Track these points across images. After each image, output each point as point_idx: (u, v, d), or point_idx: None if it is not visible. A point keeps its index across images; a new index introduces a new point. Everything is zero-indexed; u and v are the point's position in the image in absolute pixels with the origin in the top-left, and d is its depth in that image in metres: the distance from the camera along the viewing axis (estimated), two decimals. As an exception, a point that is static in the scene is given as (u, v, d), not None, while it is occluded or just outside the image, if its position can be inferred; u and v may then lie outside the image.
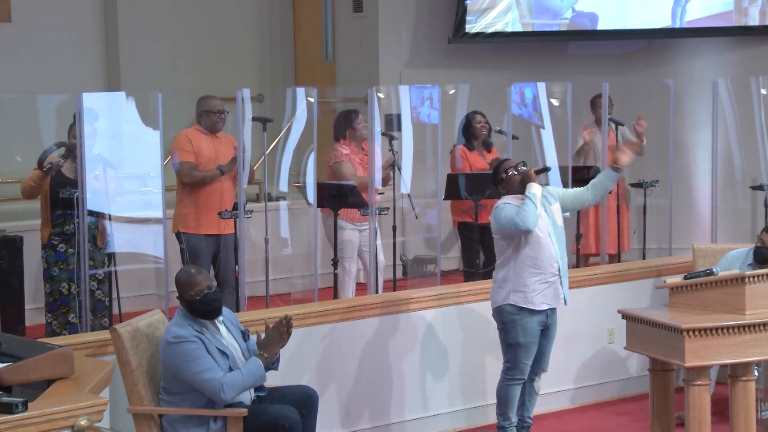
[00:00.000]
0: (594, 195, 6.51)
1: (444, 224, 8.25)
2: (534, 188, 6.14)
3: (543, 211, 6.20)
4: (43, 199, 7.03)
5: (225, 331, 5.47)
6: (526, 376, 6.32)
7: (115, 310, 7.26)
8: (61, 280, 7.02)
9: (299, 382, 6.06)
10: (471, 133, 8.59)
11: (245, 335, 5.55)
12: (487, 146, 8.64)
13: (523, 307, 6.18)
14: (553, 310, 6.29)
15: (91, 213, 6.79)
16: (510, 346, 6.28)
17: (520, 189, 6.19)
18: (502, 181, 6.28)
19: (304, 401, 5.48)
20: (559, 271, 6.21)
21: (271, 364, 5.47)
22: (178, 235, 7.40)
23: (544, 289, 6.19)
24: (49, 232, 7.03)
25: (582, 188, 6.53)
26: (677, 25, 10.74)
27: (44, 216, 7.06)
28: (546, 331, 6.32)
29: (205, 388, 5.18)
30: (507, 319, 6.25)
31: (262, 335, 5.42)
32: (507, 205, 6.15)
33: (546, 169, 6.40)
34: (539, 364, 6.39)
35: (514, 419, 6.36)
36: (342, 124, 8.01)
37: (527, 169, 6.23)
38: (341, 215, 7.65)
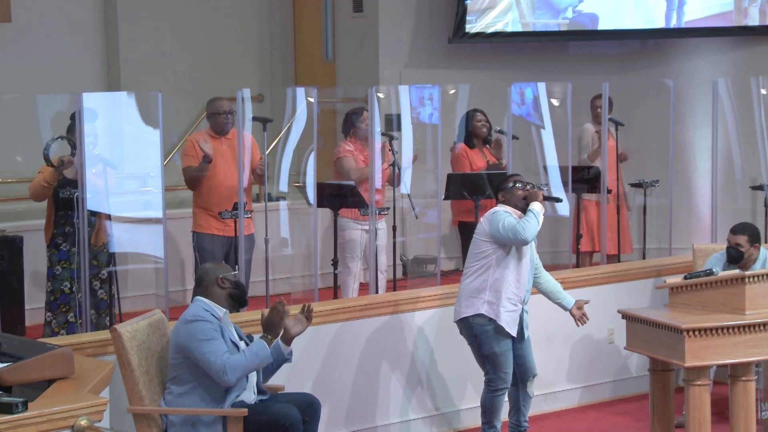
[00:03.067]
0: (540, 285, 6.47)
1: (444, 224, 8.24)
2: (537, 207, 6.12)
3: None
4: (48, 200, 7.05)
5: (234, 331, 5.50)
6: (509, 383, 6.28)
7: (115, 310, 7.26)
8: (63, 279, 7.03)
9: (298, 381, 6.06)
10: (471, 131, 8.62)
11: (248, 340, 5.57)
12: (488, 144, 8.65)
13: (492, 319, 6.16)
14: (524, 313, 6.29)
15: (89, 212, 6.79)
16: (486, 357, 6.21)
17: (519, 205, 6.19)
18: (506, 189, 6.25)
19: (307, 408, 5.48)
20: (524, 302, 6.23)
21: (287, 355, 5.48)
22: (193, 234, 7.47)
23: (511, 312, 6.17)
24: (51, 232, 7.05)
25: (541, 269, 6.46)
26: (671, 26, 10.74)
27: (48, 216, 7.09)
28: (519, 335, 6.28)
29: (210, 369, 5.21)
30: (478, 331, 6.18)
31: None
32: (507, 213, 6.12)
33: (557, 200, 6.34)
34: (528, 370, 6.36)
35: (499, 425, 6.34)
36: (347, 122, 8.03)
37: (536, 189, 6.22)
38: (347, 213, 7.66)
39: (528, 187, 6.23)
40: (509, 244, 6.09)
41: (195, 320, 5.27)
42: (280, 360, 5.49)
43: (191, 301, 5.48)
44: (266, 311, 5.53)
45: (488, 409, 6.29)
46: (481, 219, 6.28)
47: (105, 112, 6.91)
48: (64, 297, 7.05)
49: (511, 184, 6.24)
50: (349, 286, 7.88)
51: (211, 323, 5.28)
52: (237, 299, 5.50)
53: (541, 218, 6.09)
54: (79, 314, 6.90)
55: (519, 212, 6.16)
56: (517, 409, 6.40)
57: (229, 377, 5.22)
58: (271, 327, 5.44)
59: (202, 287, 5.47)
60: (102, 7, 10.68)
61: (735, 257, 6.69)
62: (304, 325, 5.51)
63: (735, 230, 6.76)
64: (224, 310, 5.44)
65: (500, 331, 6.14)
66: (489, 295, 6.13)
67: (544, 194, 6.22)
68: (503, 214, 6.11)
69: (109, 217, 7.06)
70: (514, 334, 6.19)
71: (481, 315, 6.14)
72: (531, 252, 6.25)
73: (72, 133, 6.90)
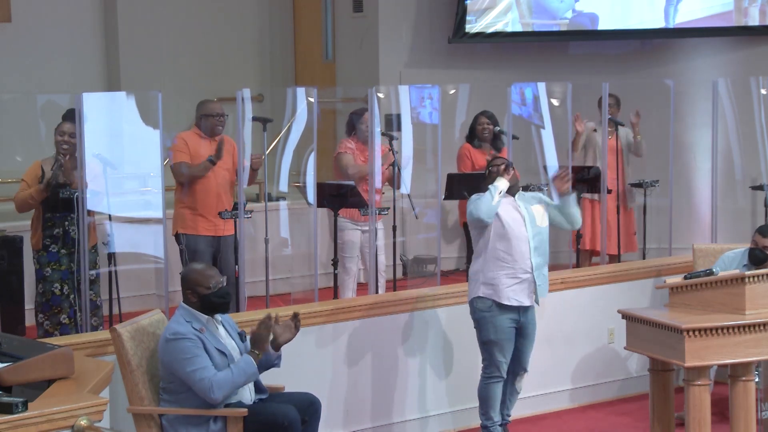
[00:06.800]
0: (566, 222, 6.52)
1: (444, 224, 8.24)
2: (498, 182, 6.25)
3: (522, 208, 6.28)
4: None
5: (224, 332, 5.48)
6: (505, 374, 6.34)
7: (115, 310, 7.25)
8: (53, 281, 7.03)
9: (298, 381, 6.06)
10: (474, 133, 8.68)
11: (242, 336, 5.56)
12: (497, 146, 8.66)
13: (493, 303, 6.22)
14: (526, 308, 6.31)
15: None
16: (483, 343, 6.34)
17: None
18: (486, 177, 6.39)
19: (307, 407, 5.49)
20: (532, 269, 6.23)
21: (275, 360, 5.48)
22: (177, 236, 7.40)
23: (514, 284, 6.23)
24: (39, 236, 7.04)
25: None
26: (669, 26, 10.74)
27: (35, 218, 7.08)
28: (522, 330, 6.34)
29: (196, 387, 5.19)
30: (478, 316, 6.31)
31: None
32: (477, 196, 6.27)
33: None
34: (519, 364, 6.42)
35: (497, 418, 6.38)
36: (349, 123, 8.04)
37: (500, 167, 6.33)
38: (344, 214, 7.67)
39: (499, 166, 6.35)
40: (479, 225, 6.23)
41: (175, 339, 5.23)
42: (268, 364, 5.48)
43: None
44: (254, 327, 5.44)
45: (483, 399, 6.38)
46: None
47: (105, 111, 6.91)
48: (55, 298, 7.05)
49: (488, 171, 6.39)
50: (347, 286, 7.88)
51: (192, 340, 5.22)
52: (213, 308, 5.41)
53: (497, 193, 6.21)
54: (71, 315, 6.90)
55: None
56: (502, 401, 6.45)
57: (216, 395, 5.19)
58: (259, 342, 5.38)
59: (183, 293, 5.45)
60: (102, 7, 10.67)
61: (760, 259, 6.59)
62: (292, 333, 5.49)
63: (764, 232, 6.65)
64: (206, 316, 5.40)
65: (500, 319, 6.22)
66: (484, 276, 6.27)
67: (508, 165, 6.35)
68: (471, 198, 6.28)
69: (109, 217, 7.07)
70: (526, 302, 6.27)
71: (480, 298, 6.26)
72: (530, 216, 6.29)
73: (59, 130, 6.90)
